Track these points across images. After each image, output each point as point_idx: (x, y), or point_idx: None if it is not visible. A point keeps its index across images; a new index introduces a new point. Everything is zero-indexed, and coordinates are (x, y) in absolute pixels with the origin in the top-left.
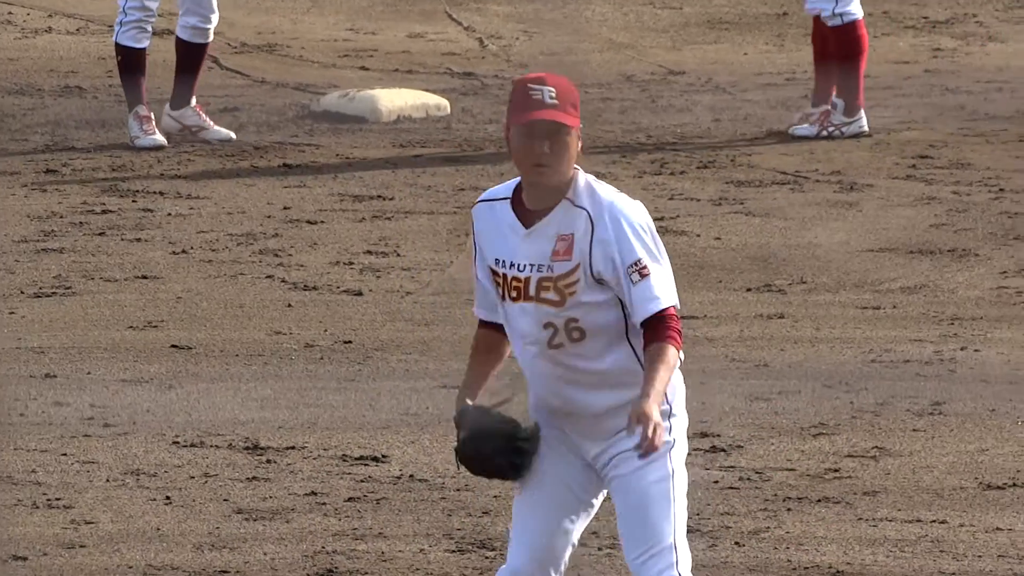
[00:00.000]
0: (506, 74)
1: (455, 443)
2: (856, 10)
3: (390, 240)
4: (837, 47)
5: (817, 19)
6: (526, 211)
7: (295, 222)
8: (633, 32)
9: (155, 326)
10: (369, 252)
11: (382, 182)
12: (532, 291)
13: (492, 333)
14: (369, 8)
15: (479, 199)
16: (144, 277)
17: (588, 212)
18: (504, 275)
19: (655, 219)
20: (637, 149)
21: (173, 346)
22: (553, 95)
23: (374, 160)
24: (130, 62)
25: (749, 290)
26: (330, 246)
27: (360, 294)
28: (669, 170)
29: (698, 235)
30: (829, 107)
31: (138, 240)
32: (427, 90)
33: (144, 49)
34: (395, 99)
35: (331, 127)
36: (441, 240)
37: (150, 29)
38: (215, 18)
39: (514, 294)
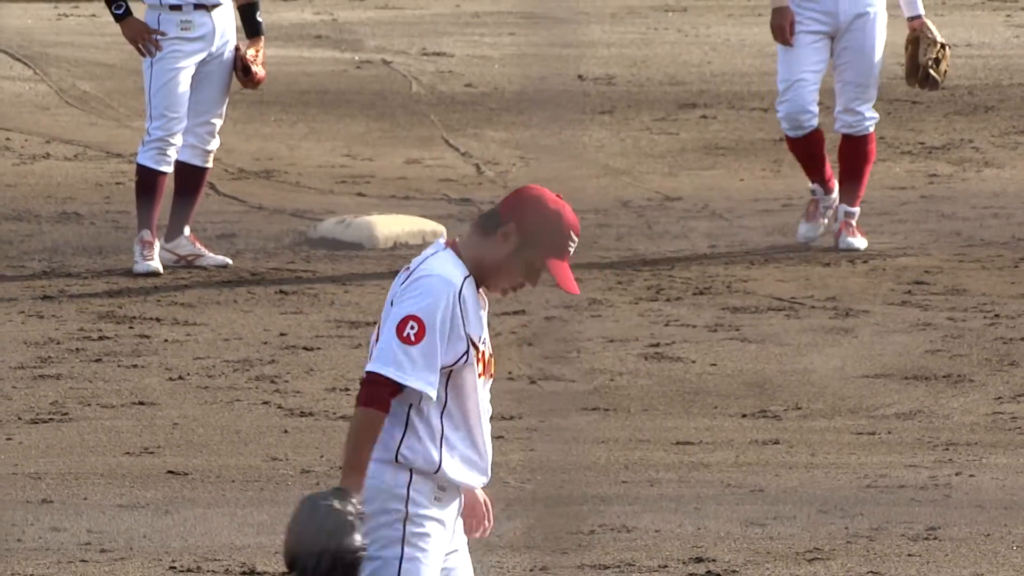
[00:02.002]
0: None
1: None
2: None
3: None
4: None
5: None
6: (477, 291)
7: (291, 348)
8: (630, 158)
9: (151, 452)
10: None
11: (378, 308)
12: (491, 368)
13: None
14: (366, 134)
15: (459, 277)
16: (141, 403)
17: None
18: (483, 352)
19: (651, 345)
20: (633, 275)
21: (170, 472)
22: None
23: (371, 286)
24: (146, 184)
25: (744, 416)
26: (326, 372)
27: None
28: (665, 296)
29: (693, 361)
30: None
31: (135, 366)
32: (424, 216)
33: (163, 173)
34: (392, 225)
35: (328, 253)
36: None
37: (172, 154)
38: (215, 143)
39: (491, 369)
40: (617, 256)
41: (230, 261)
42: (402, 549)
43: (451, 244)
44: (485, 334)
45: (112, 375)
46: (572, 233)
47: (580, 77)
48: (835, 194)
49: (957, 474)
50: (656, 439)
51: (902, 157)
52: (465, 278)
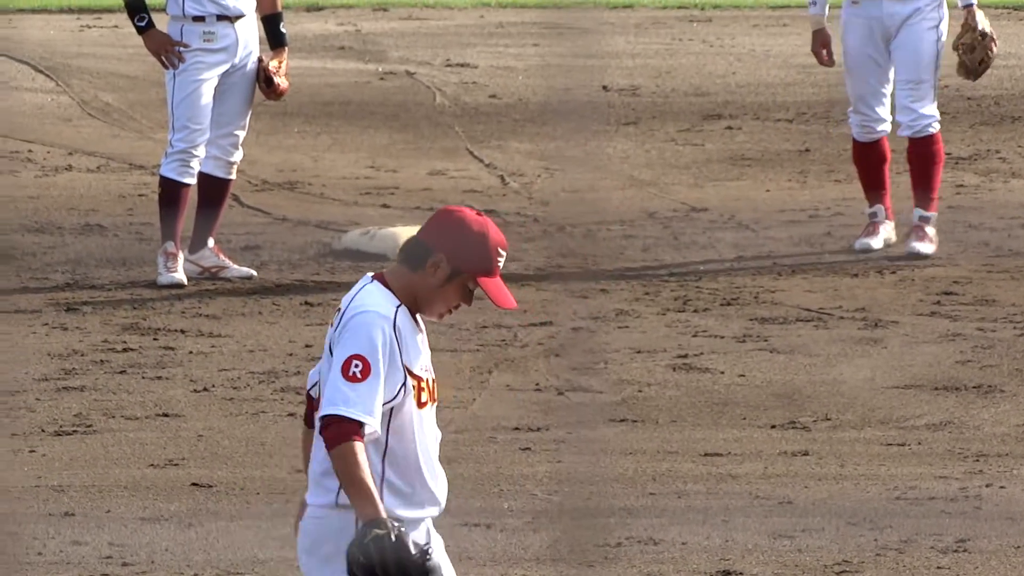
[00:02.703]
0: (528, 211)
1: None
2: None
3: None
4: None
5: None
6: (413, 316)
7: (317, 360)
8: (655, 169)
9: (176, 464)
10: None
11: None
12: (436, 393)
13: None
14: (390, 145)
15: (391, 308)
16: (165, 415)
17: None
18: (427, 380)
19: (679, 356)
20: (660, 286)
21: (194, 484)
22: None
23: None
24: (169, 196)
25: (773, 427)
26: None
27: None
28: (692, 307)
29: (722, 372)
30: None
31: (159, 378)
32: None
33: (186, 185)
34: None
35: (353, 265)
36: (464, 378)
37: (196, 165)
38: (239, 154)
39: (436, 394)
40: (643, 267)
41: (255, 273)
42: None
43: (378, 276)
44: (426, 360)
45: (136, 387)
46: (500, 249)
47: (604, 88)
48: (882, 213)
49: (988, 486)
50: (684, 450)
51: None
52: (397, 308)
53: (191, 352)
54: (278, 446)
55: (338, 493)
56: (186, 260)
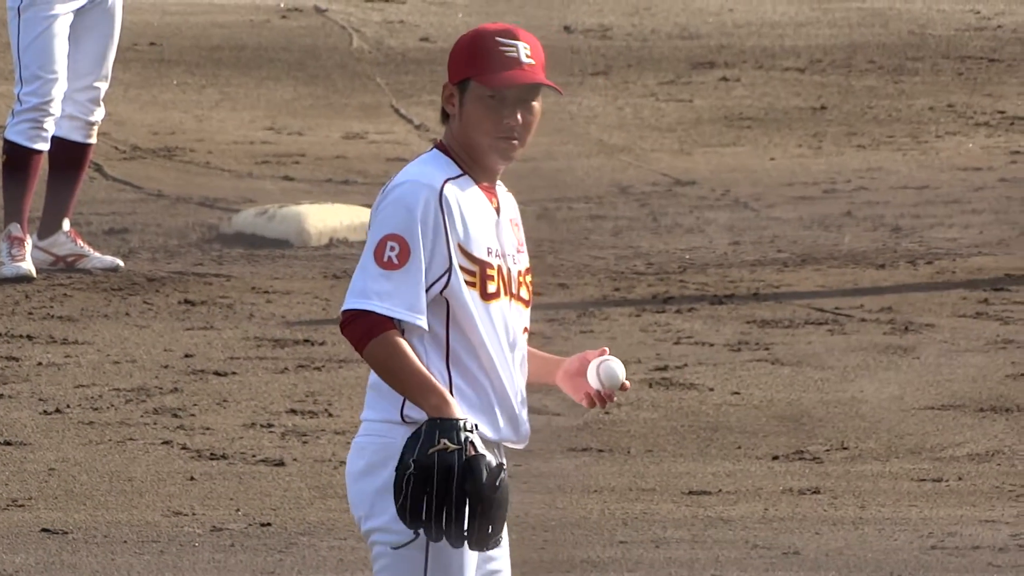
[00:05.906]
0: None
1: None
2: None
3: (320, 396)
4: None
5: None
6: (485, 190)
7: (199, 373)
8: (630, 131)
9: (21, 505)
10: (293, 411)
11: (310, 323)
12: (514, 287)
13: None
14: (294, 101)
15: (439, 178)
16: (7, 443)
17: (511, 195)
18: (499, 267)
19: (656, 368)
20: (634, 280)
21: (44, 530)
22: (528, 53)
23: (300, 295)
24: (15, 165)
25: (776, 458)
26: (243, 404)
27: (282, 464)
28: (675, 307)
29: (711, 389)
30: None
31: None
32: (368, 206)
33: (38, 152)
34: (327, 218)
35: (245, 253)
36: None
37: (51, 127)
38: (100, 113)
39: (514, 288)
40: (614, 256)
41: (121, 263)
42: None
43: (438, 144)
44: (502, 245)
45: None
46: (495, 37)
47: (566, 28)
48: None
49: None
50: (663, 487)
51: (976, 130)
52: (451, 178)
53: (40, 364)
54: (150, 483)
55: (403, 404)
56: (35, 247)
